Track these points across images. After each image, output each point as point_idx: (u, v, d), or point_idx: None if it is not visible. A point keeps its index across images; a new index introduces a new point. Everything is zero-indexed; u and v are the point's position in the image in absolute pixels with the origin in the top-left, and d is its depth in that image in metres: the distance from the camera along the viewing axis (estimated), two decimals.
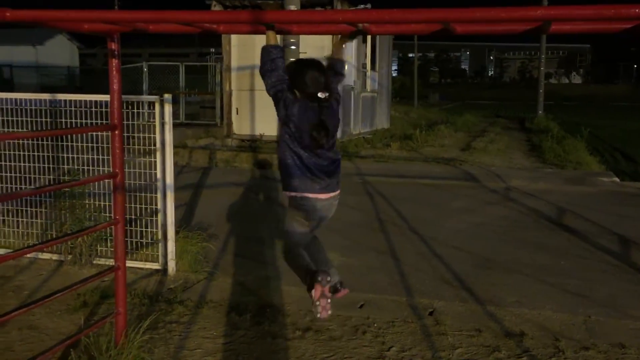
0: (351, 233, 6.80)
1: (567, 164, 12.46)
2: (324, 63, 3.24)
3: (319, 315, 3.06)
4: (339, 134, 13.95)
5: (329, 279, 3.06)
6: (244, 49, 14.23)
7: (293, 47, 11.40)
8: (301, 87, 3.03)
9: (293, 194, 3.19)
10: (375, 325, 4.22)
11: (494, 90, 70.45)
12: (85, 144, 5.55)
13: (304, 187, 3.16)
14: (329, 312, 3.07)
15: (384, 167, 11.94)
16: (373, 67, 17.41)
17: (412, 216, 7.57)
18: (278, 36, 3.00)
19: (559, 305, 4.62)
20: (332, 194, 3.25)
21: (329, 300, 3.07)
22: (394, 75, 38.61)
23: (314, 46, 13.45)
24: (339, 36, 3.29)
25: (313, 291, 3.05)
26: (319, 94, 3.02)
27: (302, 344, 3.92)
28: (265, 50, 3.07)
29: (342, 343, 3.95)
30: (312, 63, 3.09)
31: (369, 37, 15.96)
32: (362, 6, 14.67)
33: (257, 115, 14.25)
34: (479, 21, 2.42)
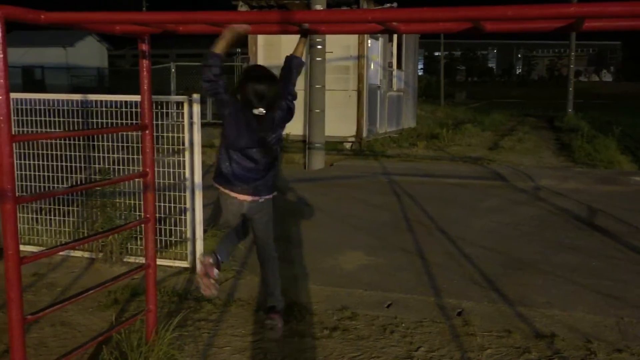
0: (378, 232, 6.78)
1: (598, 163, 12.25)
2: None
3: (203, 293, 3.38)
4: (364, 133, 13.78)
5: (211, 260, 3.32)
6: (270, 49, 14.28)
7: (319, 47, 11.44)
8: (242, 96, 3.10)
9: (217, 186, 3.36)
10: (403, 325, 4.21)
11: (522, 88, 69.47)
12: (114, 144, 5.64)
13: (226, 183, 3.30)
14: (213, 291, 3.36)
15: (410, 166, 11.88)
16: (399, 66, 17.33)
17: (439, 216, 7.52)
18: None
19: (590, 306, 4.55)
20: (251, 198, 3.31)
21: (213, 281, 3.33)
22: (420, 74, 38.35)
23: (339, 45, 13.46)
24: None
25: (198, 268, 3.35)
26: (255, 111, 3.07)
27: (330, 343, 3.92)
28: (208, 54, 3.13)
29: (369, 342, 3.94)
30: (259, 76, 3.11)
31: (395, 36, 15.90)
32: (388, 5, 14.62)
33: None
34: (510, 19, 2.38)
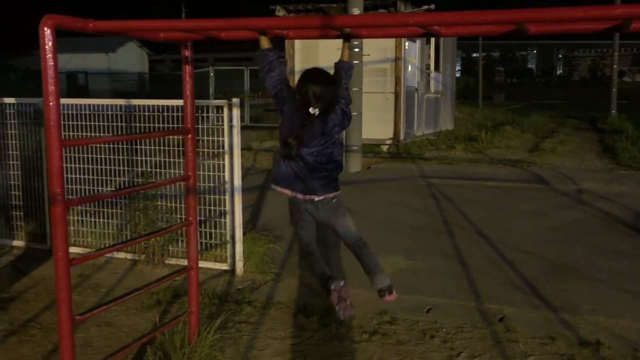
0: (416, 236, 6.74)
1: None
2: (334, 69, 3.29)
3: (341, 318, 3.26)
4: (402, 136, 13.69)
5: (341, 283, 3.26)
6: (307, 52, 14.35)
7: (356, 50, 11.44)
8: (301, 97, 3.09)
9: (278, 188, 3.30)
10: (444, 330, 4.17)
11: (562, 89, 67.98)
12: (155, 147, 5.76)
13: (282, 182, 3.25)
14: (350, 312, 3.28)
15: (448, 169, 11.77)
16: (437, 68, 17.18)
17: (478, 219, 7.43)
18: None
19: (637, 313, 4.42)
20: (311, 197, 3.25)
21: (348, 302, 3.27)
22: (457, 75, 37.93)
23: (377, 48, 13.42)
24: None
25: (330, 297, 3.25)
26: (310, 109, 3.05)
27: (370, 347, 3.92)
28: (263, 54, 3.15)
29: (409, 347, 3.92)
30: (317, 77, 3.10)
31: (432, 38, 15.77)
32: (425, 7, 14.52)
33: None
34: (554, 21, 2.35)
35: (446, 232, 6.92)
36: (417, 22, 2.54)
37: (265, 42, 3.13)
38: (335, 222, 3.41)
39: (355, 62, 11.41)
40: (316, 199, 3.27)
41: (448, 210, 8.08)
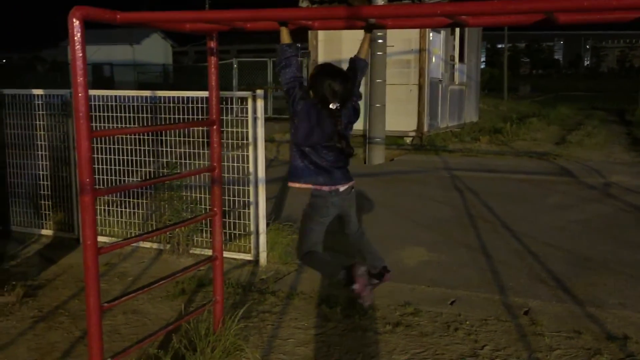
0: (440, 228, 6.71)
1: None
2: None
3: (366, 305, 3.40)
4: (425, 128, 13.60)
5: (363, 269, 3.31)
6: (331, 44, 14.30)
7: (380, 41, 11.38)
8: (317, 93, 3.11)
9: (297, 185, 3.32)
10: (468, 322, 4.15)
11: (590, 80, 66.78)
12: (181, 138, 5.81)
13: (309, 178, 3.26)
14: (372, 297, 3.40)
15: (473, 161, 11.66)
16: (461, 59, 17.00)
17: (503, 212, 7.36)
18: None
19: None
20: (336, 187, 3.28)
21: (371, 288, 3.35)
22: (482, 66, 37.48)
23: (400, 38, 13.32)
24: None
25: (356, 285, 3.28)
26: (331, 105, 3.07)
27: (393, 339, 3.91)
28: (282, 49, 3.17)
29: (433, 339, 3.91)
30: (333, 73, 3.13)
31: (457, 29, 15.61)
32: None
33: None
34: (586, 10, 2.30)
35: (470, 224, 6.87)
36: (445, 12, 2.52)
37: (285, 37, 3.15)
38: (350, 212, 3.49)
39: (379, 53, 11.40)
40: (341, 189, 3.28)
41: (472, 202, 8.02)
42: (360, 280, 3.27)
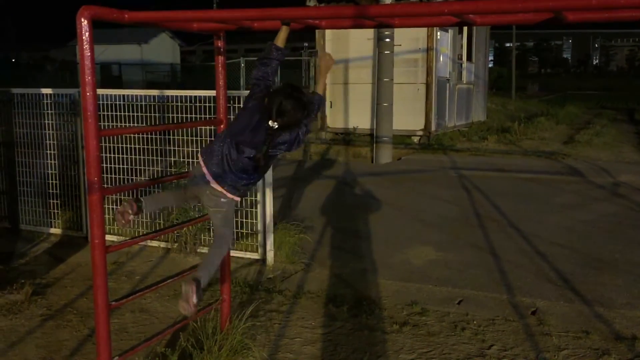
0: (447, 227, 6.69)
1: None
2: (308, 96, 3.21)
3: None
4: (433, 127, 13.49)
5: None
6: (338, 43, 14.28)
7: (387, 40, 11.36)
8: (269, 103, 3.05)
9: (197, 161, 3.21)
10: (475, 322, 4.14)
11: (599, 79, 66.34)
12: (188, 138, 5.82)
13: (207, 163, 3.13)
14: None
15: (480, 160, 11.63)
16: (469, 58, 16.93)
17: (511, 211, 7.33)
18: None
19: None
20: (215, 187, 3.13)
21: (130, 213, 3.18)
22: (490, 65, 37.31)
23: (408, 37, 13.29)
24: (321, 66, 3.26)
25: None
26: (270, 122, 3.02)
27: (400, 338, 3.91)
28: (271, 48, 3.18)
29: (440, 339, 3.90)
30: (293, 95, 3.05)
31: (465, 28, 15.55)
32: None
33: (351, 108, 14.29)
34: (595, 9, 2.29)
35: (478, 224, 6.85)
36: (452, 11, 2.52)
37: (281, 40, 3.17)
38: (218, 219, 3.26)
39: (386, 52, 11.39)
40: (214, 185, 3.13)
41: (480, 202, 7.99)
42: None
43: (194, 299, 3.01)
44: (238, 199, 3.21)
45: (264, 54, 3.21)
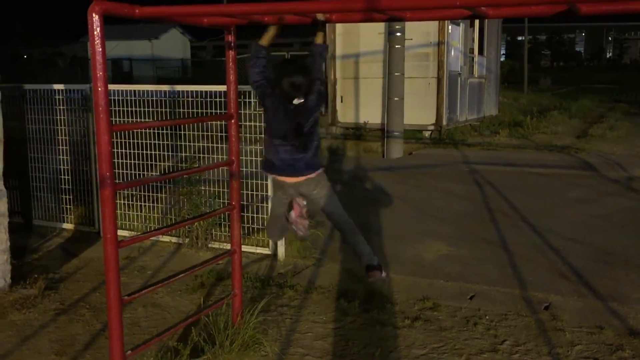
0: (459, 222, 6.66)
1: None
2: (307, 56, 3.44)
3: (299, 234, 3.57)
4: (444, 121, 13.47)
5: (305, 202, 3.50)
6: (349, 37, 14.23)
7: (398, 34, 11.29)
8: (280, 89, 3.26)
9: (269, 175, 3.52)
10: (487, 317, 4.12)
11: (612, 73, 65.54)
12: (198, 133, 5.83)
13: (275, 170, 3.42)
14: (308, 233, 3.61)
15: (492, 155, 11.55)
16: (481, 52, 16.81)
17: (523, 206, 7.28)
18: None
19: None
20: (300, 178, 3.40)
21: (307, 222, 3.57)
22: (502, 59, 37.02)
23: (419, 31, 13.21)
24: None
25: (292, 212, 3.50)
26: (294, 101, 3.24)
27: (412, 333, 3.90)
28: (257, 48, 3.38)
29: (452, 334, 3.89)
30: (293, 69, 3.29)
31: (476, 21, 15.43)
32: None
33: (362, 103, 14.24)
34: (609, 0, 2.26)
35: (490, 219, 6.82)
36: (465, 4, 2.49)
37: (266, 39, 3.33)
38: (325, 198, 3.51)
39: (397, 46, 11.33)
40: (307, 177, 3.39)
41: (492, 197, 7.95)
42: (296, 209, 3.47)
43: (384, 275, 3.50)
44: (321, 169, 3.45)
45: (253, 56, 3.39)
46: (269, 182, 5.41)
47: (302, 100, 3.25)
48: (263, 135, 3.45)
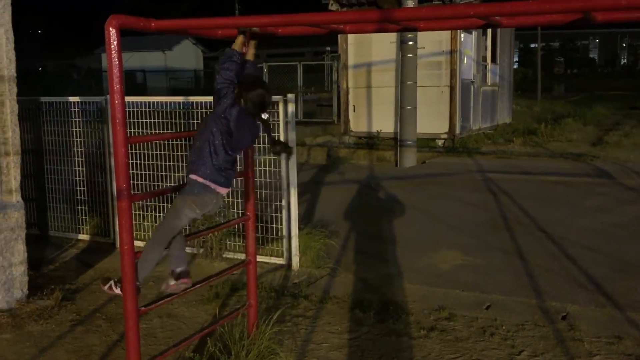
0: (475, 232, 6.62)
1: None
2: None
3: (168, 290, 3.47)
4: (457, 130, 13.42)
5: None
6: (361, 47, 14.26)
7: (410, 43, 11.31)
8: (251, 102, 3.16)
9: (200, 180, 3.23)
10: (504, 327, 4.08)
11: (627, 79, 65.03)
12: None
13: (212, 177, 3.22)
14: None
15: (506, 163, 11.49)
16: (494, 60, 16.76)
17: (539, 215, 7.22)
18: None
19: None
20: (228, 190, 3.33)
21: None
22: (515, 67, 36.90)
23: (431, 40, 13.21)
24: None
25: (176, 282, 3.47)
26: (263, 115, 3.21)
27: (428, 344, 3.87)
28: (231, 53, 3.24)
29: (469, 344, 3.85)
30: (264, 85, 3.25)
31: (489, 29, 15.39)
32: None
33: (374, 112, 14.24)
34: (625, 8, 2.25)
35: (505, 227, 6.77)
36: (478, 13, 2.49)
37: (238, 45, 3.24)
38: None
39: (409, 55, 11.34)
40: (224, 192, 3.30)
41: (507, 205, 7.90)
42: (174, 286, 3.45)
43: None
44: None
45: (225, 59, 3.23)
46: (283, 193, 5.42)
47: (267, 115, 3.24)
48: (199, 141, 3.27)
